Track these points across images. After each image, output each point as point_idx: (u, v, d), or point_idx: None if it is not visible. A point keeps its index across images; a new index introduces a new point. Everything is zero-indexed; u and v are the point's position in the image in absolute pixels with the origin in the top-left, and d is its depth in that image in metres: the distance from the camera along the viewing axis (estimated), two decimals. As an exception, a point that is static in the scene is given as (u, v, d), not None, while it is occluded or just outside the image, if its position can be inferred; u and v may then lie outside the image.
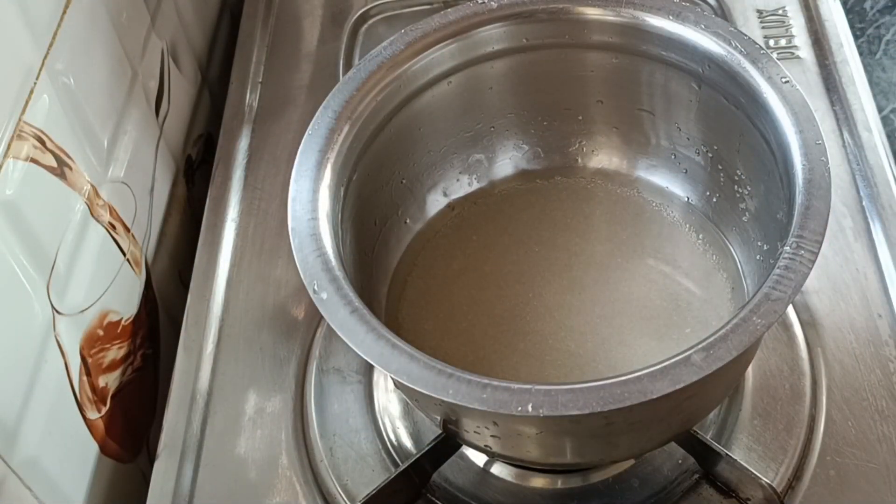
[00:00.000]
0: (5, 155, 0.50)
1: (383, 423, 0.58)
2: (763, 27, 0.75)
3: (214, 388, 0.61)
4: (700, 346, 0.41)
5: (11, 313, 0.50)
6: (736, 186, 0.55)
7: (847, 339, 0.58)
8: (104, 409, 0.59)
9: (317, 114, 0.51)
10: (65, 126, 0.56)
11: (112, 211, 0.61)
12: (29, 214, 0.52)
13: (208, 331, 0.63)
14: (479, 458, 0.56)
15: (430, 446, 0.53)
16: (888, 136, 0.68)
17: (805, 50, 0.73)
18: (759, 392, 0.57)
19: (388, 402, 0.59)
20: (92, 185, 0.59)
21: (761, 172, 0.52)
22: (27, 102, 0.52)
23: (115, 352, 0.61)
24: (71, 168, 0.56)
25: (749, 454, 0.54)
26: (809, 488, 0.53)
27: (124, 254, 0.63)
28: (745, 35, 0.51)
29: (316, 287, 0.45)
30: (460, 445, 0.54)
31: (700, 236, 0.58)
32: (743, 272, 0.56)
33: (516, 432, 0.48)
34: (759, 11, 0.76)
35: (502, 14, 0.55)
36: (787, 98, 0.49)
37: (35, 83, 0.53)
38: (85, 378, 0.57)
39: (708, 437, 0.53)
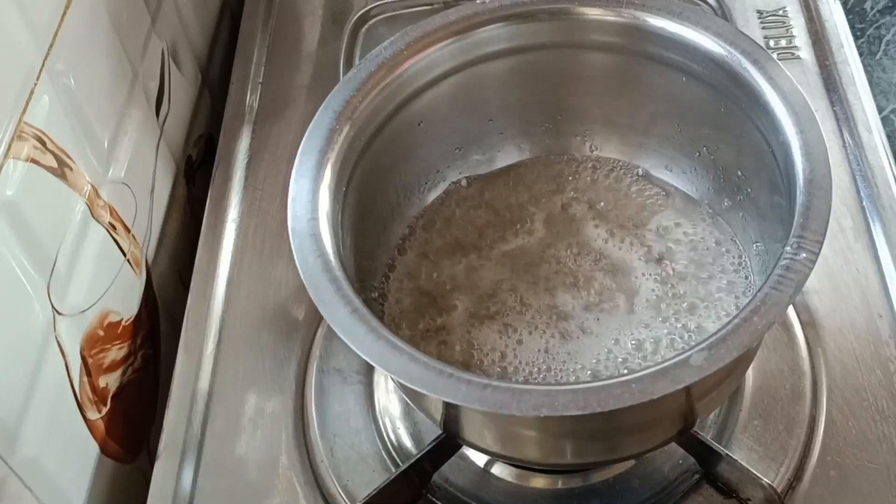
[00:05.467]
0: (6, 155, 0.50)
1: (384, 424, 0.58)
2: (763, 27, 0.75)
3: (215, 388, 0.61)
4: (700, 346, 0.41)
5: (12, 314, 0.50)
6: (736, 187, 0.55)
7: (847, 340, 0.58)
8: (104, 410, 0.59)
9: (317, 114, 0.51)
10: (65, 127, 0.56)
11: (112, 211, 0.61)
12: (29, 215, 0.52)
13: (209, 331, 0.63)
14: (479, 459, 0.56)
15: (430, 447, 0.53)
16: (888, 137, 0.68)
17: (805, 50, 0.73)
18: (759, 392, 0.57)
19: (388, 402, 0.59)
20: (92, 186, 0.59)
21: (762, 173, 0.52)
22: (27, 103, 0.52)
23: (116, 352, 0.61)
24: (71, 168, 0.56)
25: (749, 454, 0.54)
26: (810, 488, 0.53)
27: (125, 254, 0.63)
28: (746, 35, 0.51)
29: (316, 288, 0.45)
30: (461, 446, 0.54)
31: (700, 236, 0.58)
32: (743, 272, 0.56)
33: (516, 433, 0.48)
34: (760, 12, 0.76)
35: (502, 14, 0.55)
36: (788, 98, 0.49)
37: (35, 84, 0.53)
38: (85, 378, 0.57)
39: (708, 438, 0.53)
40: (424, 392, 0.42)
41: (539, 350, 0.54)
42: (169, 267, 0.70)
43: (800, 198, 0.45)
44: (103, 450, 0.59)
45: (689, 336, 0.54)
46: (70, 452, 0.56)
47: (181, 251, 0.72)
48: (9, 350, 0.50)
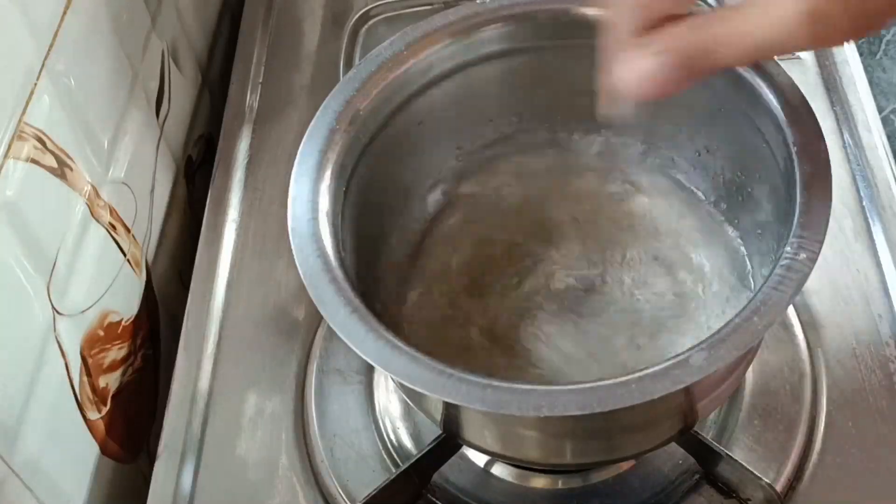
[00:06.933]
0: (6, 156, 0.50)
1: (384, 424, 0.58)
2: (763, 27, 0.75)
3: (215, 388, 0.61)
4: (701, 346, 0.41)
5: (12, 314, 0.50)
6: (736, 187, 0.55)
7: (847, 340, 0.58)
8: (105, 410, 0.59)
9: (317, 114, 0.51)
10: (65, 127, 0.56)
11: (112, 211, 0.61)
12: (29, 215, 0.52)
13: (209, 331, 0.63)
14: (479, 459, 0.56)
15: (430, 447, 0.53)
16: (888, 137, 0.68)
17: (805, 50, 0.73)
18: (759, 392, 0.57)
19: (388, 402, 0.59)
20: (92, 186, 0.59)
21: (762, 173, 0.52)
22: (28, 103, 0.52)
23: (116, 352, 0.61)
24: (71, 168, 0.56)
25: (749, 454, 0.54)
26: (810, 488, 0.53)
27: (125, 254, 0.63)
28: (746, 35, 0.51)
29: (316, 288, 0.45)
30: (461, 446, 0.54)
31: (700, 237, 0.58)
32: (743, 272, 0.56)
33: (517, 433, 0.48)
34: (760, 12, 0.76)
35: (502, 14, 0.55)
36: (788, 98, 0.49)
37: (35, 84, 0.53)
38: (85, 378, 0.57)
39: (708, 438, 0.53)
40: (424, 392, 0.42)
41: (535, 354, 0.54)
42: (169, 267, 0.70)
43: (800, 198, 0.45)
44: (103, 450, 0.59)
45: (687, 338, 0.54)
46: (70, 452, 0.56)
47: (181, 251, 0.72)
48: (9, 350, 0.50)
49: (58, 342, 0.54)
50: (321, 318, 0.57)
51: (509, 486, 0.56)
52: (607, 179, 0.61)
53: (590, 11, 0.55)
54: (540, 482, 0.56)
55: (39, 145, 0.53)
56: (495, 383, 0.41)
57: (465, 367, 0.42)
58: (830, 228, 0.44)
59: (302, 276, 0.45)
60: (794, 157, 0.47)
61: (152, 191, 0.68)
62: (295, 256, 0.46)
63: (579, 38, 0.56)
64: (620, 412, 0.40)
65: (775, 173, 0.49)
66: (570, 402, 0.40)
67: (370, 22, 0.82)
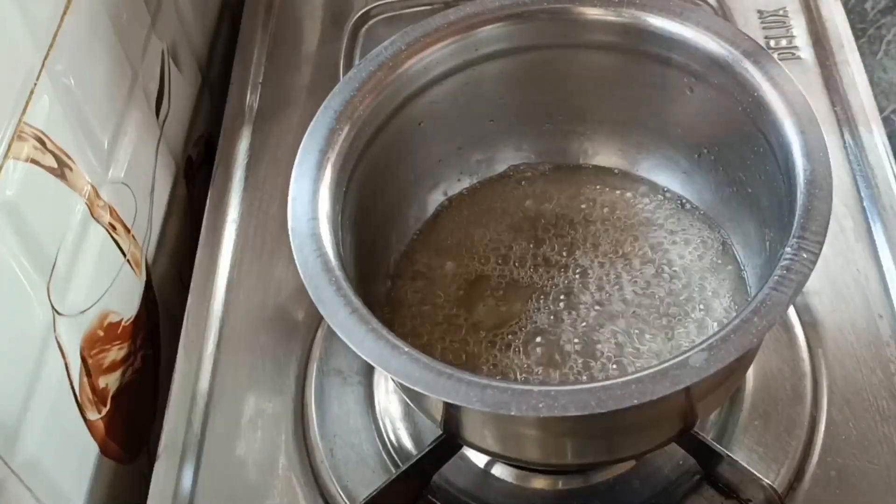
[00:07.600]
0: (6, 156, 0.50)
1: (384, 425, 0.58)
2: (764, 27, 0.75)
3: (215, 389, 0.61)
4: (701, 346, 0.41)
5: (12, 314, 0.50)
6: (736, 187, 0.55)
7: (848, 340, 0.58)
8: (104, 410, 0.59)
9: (317, 114, 0.51)
10: (65, 127, 0.56)
11: (112, 212, 0.61)
12: (29, 215, 0.52)
13: (208, 332, 0.63)
14: (479, 459, 0.56)
15: (430, 447, 0.53)
16: (888, 137, 0.68)
17: (806, 50, 0.73)
18: (760, 393, 0.57)
19: (388, 403, 0.59)
20: (92, 186, 0.59)
21: (762, 173, 0.52)
22: (27, 103, 0.52)
23: (116, 353, 0.61)
24: (71, 169, 0.56)
25: (750, 455, 0.54)
26: (810, 489, 0.53)
27: (125, 255, 0.63)
28: (747, 35, 0.51)
29: (316, 288, 0.45)
30: (461, 446, 0.54)
31: (701, 237, 0.58)
32: (744, 273, 0.56)
33: (516, 433, 0.48)
34: (760, 12, 0.76)
35: (502, 14, 0.55)
36: (789, 99, 0.49)
37: (35, 84, 0.53)
38: (85, 379, 0.57)
39: (709, 438, 0.53)
40: (424, 392, 0.42)
41: (535, 354, 0.54)
42: (169, 267, 0.70)
43: (800, 198, 0.45)
44: (103, 450, 0.59)
45: (687, 339, 0.54)
46: (70, 453, 0.56)
47: (181, 251, 0.72)
48: (9, 350, 0.50)
49: (58, 342, 0.54)
50: (321, 318, 0.57)
51: (509, 486, 0.56)
52: (607, 180, 0.61)
53: (590, 11, 0.55)
54: (540, 482, 0.56)
55: (39, 145, 0.53)
56: (495, 383, 0.41)
57: (463, 366, 0.42)
58: (830, 228, 0.44)
59: (302, 276, 0.45)
60: (795, 157, 0.47)
61: (152, 191, 0.68)
62: (295, 256, 0.46)
63: (579, 38, 0.56)
64: (620, 412, 0.40)
65: (776, 174, 0.49)
66: (569, 403, 0.40)
67: (370, 22, 0.82)
